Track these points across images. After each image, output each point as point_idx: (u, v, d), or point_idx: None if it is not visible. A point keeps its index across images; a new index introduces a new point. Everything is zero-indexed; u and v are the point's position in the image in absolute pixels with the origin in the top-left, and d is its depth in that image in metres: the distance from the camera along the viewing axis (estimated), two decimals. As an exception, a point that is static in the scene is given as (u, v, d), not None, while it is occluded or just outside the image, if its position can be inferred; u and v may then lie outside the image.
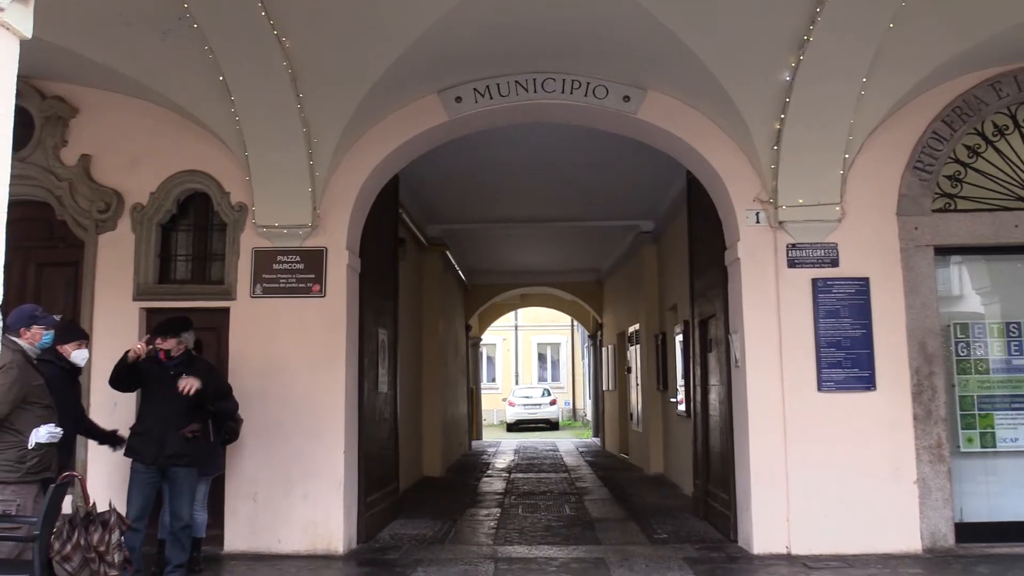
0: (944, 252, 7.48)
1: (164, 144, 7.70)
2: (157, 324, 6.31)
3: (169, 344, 6.05)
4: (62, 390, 5.29)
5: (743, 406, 7.34)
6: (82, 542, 4.74)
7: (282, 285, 7.52)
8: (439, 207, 12.86)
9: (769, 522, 7.10)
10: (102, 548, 4.77)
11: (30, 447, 4.84)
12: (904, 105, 7.29)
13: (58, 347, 5.39)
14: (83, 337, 5.71)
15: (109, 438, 6.02)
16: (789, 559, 6.91)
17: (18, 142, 7.36)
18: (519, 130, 8.88)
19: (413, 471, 12.67)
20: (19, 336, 5.01)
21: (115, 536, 4.81)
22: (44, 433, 4.88)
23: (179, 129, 7.65)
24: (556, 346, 35.02)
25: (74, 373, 5.62)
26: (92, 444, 7.21)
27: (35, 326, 5.06)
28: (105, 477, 7.00)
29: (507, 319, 29.93)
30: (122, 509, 5.35)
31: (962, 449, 7.30)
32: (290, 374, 7.37)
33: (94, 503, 5.04)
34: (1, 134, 2.66)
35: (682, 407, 11.23)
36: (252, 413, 7.29)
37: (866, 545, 6.97)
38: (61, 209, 7.61)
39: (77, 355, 5.52)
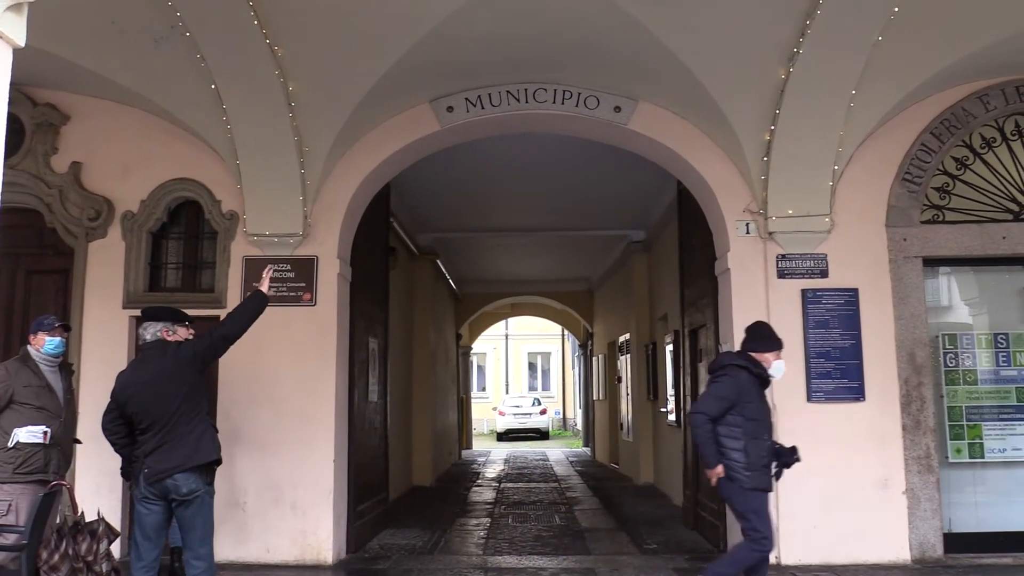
0: (932, 263, 7.53)
1: (155, 152, 7.68)
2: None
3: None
4: (756, 397, 5.33)
5: (733, 416, 7.34)
6: (70, 551, 4.73)
7: (272, 293, 7.48)
8: (430, 216, 12.87)
9: (759, 532, 7.09)
10: (90, 558, 4.76)
11: (9, 445, 5.07)
12: (893, 117, 7.35)
13: (754, 354, 5.43)
14: (781, 347, 5.54)
15: (788, 454, 5.48)
16: (778, 569, 6.90)
17: (9, 149, 7.37)
18: (510, 140, 8.90)
19: (403, 480, 12.64)
20: (32, 342, 5.42)
21: (103, 546, 4.80)
22: (24, 432, 5.12)
23: (170, 137, 7.64)
24: (547, 355, 35.00)
25: (765, 383, 5.47)
26: (81, 451, 7.18)
27: (40, 332, 5.40)
28: (93, 486, 6.96)
29: (498, 328, 29.91)
30: (114, 522, 5.32)
31: (951, 459, 7.34)
32: (280, 382, 7.35)
33: (82, 512, 5.02)
34: (-7, 142, 2.66)
35: (672, 417, 11.24)
36: (241, 421, 7.27)
37: (855, 555, 6.98)
38: (51, 216, 7.59)
39: (776, 366, 5.45)
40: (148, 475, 4.77)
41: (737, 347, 5.71)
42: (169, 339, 5.09)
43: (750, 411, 5.28)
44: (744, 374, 5.35)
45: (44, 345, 5.38)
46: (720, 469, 5.21)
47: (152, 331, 5.06)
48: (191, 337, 5.19)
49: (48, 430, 5.20)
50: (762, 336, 5.55)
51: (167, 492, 4.78)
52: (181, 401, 4.87)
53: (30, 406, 5.18)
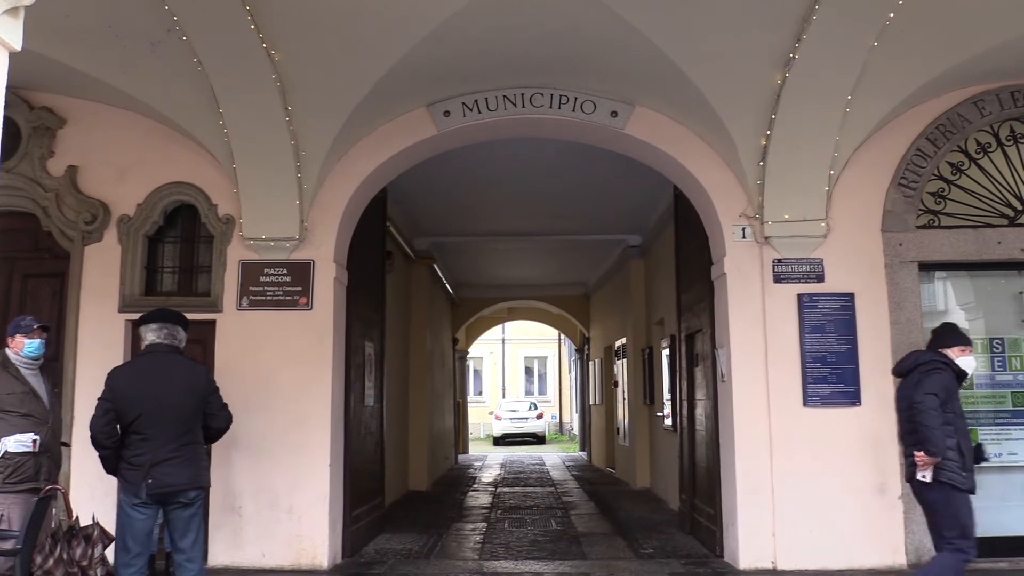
0: (928, 268, 7.54)
1: (152, 156, 7.68)
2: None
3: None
4: (958, 395, 5.18)
5: (729, 421, 7.36)
6: (64, 556, 4.71)
7: (269, 298, 7.50)
8: (427, 220, 12.87)
9: (755, 537, 7.10)
10: (85, 563, 4.74)
11: None
12: (888, 122, 7.37)
13: (943, 349, 5.32)
14: (968, 343, 5.42)
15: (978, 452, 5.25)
16: (775, 574, 6.91)
17: (5, 152, 7.38)
18: (507, 144, 8.90)
19: (399, 485, 12.62)
20: (9, 345, 5.19)
21: (98, 551, 4.78)
22: (12, 442, 4.96)
23: (167, 141, 7.64)
24: (543, 359, 35.01)
25: (961, 378, 5.31)
26: (75, 456, 7.18)
27: (18, 335, 5.19)
28: (88, 491, 6.94)
29: (494, 332, 29.89)
30: (109, 527, 5.29)
31: (946, 464, 7.33)
32: (276, 387, 7.34)
33: (77, 517, 5.00)
34: (-11, 146, 2.66)
35: (668, 421, 11.24)
36: (237, 426, 7.20)
37: (851, 560, 6.98)
38: (47, 220, 7.58)
39: (963, 361, 5.30)
40: (153, 486, 4.70)
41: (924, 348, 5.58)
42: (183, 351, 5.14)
43: (959, 408, 5.13)
44: (949, 371, 5.19)
45: (23, 348, 5.15)
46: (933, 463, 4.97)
47: (185, 342, 5.10)
48: None
49: (37, 437, 5.03)
50: (947, 331, 5.46)
51: (168, 497, 4.77)
52: (196, 418, 4.95)
53: (16, 414, 5.00)
